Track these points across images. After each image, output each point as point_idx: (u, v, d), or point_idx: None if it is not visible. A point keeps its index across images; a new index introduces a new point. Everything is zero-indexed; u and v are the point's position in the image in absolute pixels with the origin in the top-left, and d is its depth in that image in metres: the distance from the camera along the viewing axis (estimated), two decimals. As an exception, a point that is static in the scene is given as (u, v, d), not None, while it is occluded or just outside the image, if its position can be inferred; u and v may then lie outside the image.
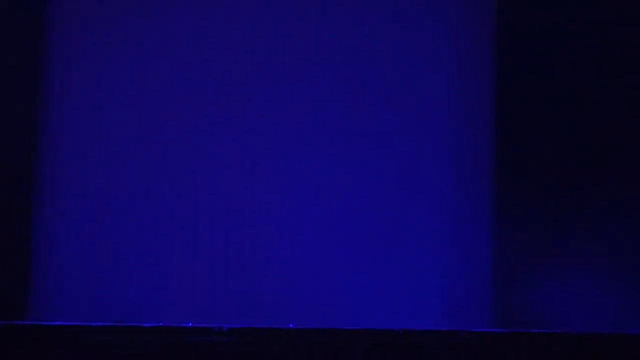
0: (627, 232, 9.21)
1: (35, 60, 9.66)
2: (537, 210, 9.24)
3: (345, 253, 9.22)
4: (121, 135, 9.52)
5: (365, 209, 9.25)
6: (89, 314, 8.69)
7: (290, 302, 8.92)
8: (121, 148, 9.53)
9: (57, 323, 6.95)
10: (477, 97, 9.42)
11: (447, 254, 9.19)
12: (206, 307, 8.80)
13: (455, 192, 9.31)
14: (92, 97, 9.60)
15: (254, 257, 9.08)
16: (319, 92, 9.27)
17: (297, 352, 6.68)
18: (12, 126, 9.73)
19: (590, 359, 7.07)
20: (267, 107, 9.26)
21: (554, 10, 9.72)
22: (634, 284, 9.15)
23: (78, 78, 9.59)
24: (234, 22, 9.46)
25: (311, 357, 6.57)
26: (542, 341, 7.03)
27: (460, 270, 9.26)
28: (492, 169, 9.34)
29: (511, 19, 9.57)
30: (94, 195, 9.49)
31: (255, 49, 9.36)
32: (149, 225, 9.38)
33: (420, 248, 9.34)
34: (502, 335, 7.30)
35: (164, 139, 9.44)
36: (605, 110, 9.48)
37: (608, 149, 9.37)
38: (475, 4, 9.42)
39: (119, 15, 9.58)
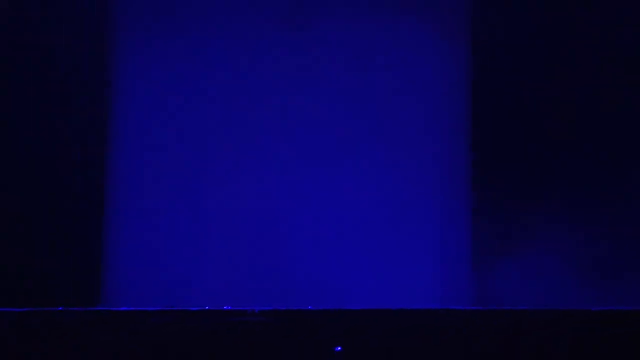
0: (585, 222, 10.97)
1: (104, 69, 11.50)
2: (508, 205, 11.15)
3: (349, 246, 11.12)
4: (178, 143, 11.62)
5: (367, 207, 11.24)
6: (150, 300, 10.47)
7: (305, 288, 10.78)
8: (178, 155, 11.43)
9: (123, 308, 8.33)
10: (456, 112, 11.31)
11: (433, 243, 11.03)
12: (241, 293, 10.67)
13: (440, 191, 11.24)
14: (159, 104, 11.48)
15: (280, 252, 11.05)
16: (329, 115, 11.26)
17: (315, 329, 7.83)
18: (85, 132, 11.53)
19: (558, 333, 7.83)
20: (294, 132, 11.30)
21: (524, 33, 11.44)
22: (592, 267, 10.77)
23: (144, 88, 11.46)
24: (263, 52, 11.37)
25: (329, 333, 7.75)
26: (514, 317, 7.95)
27: (444, 257, 11.08)
28: (470, 173, 11.29)
29: (485, 44, 11.38)
30: (155, 196, 11.54)
31: (283, 83, 11.41)
32: (198, 224, 11.41)
33: (411, 237, 11.24)
34: (479, 312, 8.32)
35: (213, 154, 11.52)
36: (565, 113, 11.20)
37: (566, 154, 11.09)
38: (452, 36, 11.22)
39: (179, 30, 11.48)
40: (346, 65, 11.38)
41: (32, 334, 7.89)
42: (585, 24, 11.39)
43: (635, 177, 11.19)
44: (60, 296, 10.45)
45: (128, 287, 11.36)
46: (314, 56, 11.36)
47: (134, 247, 11.54)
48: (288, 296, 10.75)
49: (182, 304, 9.76)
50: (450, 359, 7.72)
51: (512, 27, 11.36)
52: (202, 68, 11.48)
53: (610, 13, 11.45)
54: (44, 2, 11.39)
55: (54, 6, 11.45)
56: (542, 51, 11.32)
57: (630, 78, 11.29)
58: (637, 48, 11.42)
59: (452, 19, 11.44)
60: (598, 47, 11.43)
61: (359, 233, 11.35)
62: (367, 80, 11.33)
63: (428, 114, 11.45)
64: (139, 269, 11.44)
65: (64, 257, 11.38)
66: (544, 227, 11.00)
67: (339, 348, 7.72)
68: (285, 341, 7.87)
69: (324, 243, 11.35)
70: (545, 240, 10.94)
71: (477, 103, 11.39)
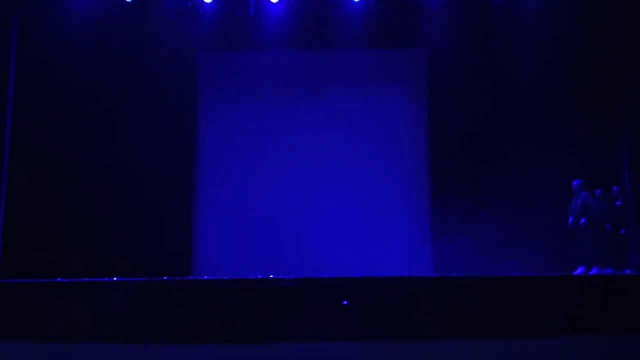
0: (513, 209, 13.62)
1: (191, 111, 14.93)
2: (459, 201, 13.84)
3: (349, 230, 14.50)
4: (242, 165, 15.10)
5: (359, 206, 14.79)
6: (227, 271, 13.37)
7: (319, 261, 13.82)
8: (246, 170, 15.12)
9: (204, 277, 11.49)
10: (418, 142, 14.97)
11: (406, 225, 14.33)
12: (281, 266, 13.62)
13: (408, 193, 14.82)
14: (231, 141, 15.29)
15: (303, 237, 14.47)
16: (335, 148, 15.09)
17: (329, 290, 10.09)
18: (178, 151, 14.85)
19: (510, 297, 9.88)
20: (312, 161, 15.04)
21: (467, 92, 14.65)
22: (520, 241, 13.16)
23: (221, 129, 15.27)
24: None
25: (339, 292, 9.97)
26: (465, 284, 10.20)
27: (412, 237, 14.31)
28: (429, 183, 14.79)
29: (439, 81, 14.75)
30: (229, 196, 15.09)
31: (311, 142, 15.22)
32: (256, 218, 14.77)
33: (389, 223, 14.48)
34: (437, 279, 11.03)
35: (264, 173, 15.12)
36: (495, 142, 14.35)
37: (506, 160, 14.26)
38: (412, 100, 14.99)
39: (243, 95, 15.28)
40: (345, 117, 14.98)
41: (144, 295, 10.08)
42: (507, 85, 14.56)
43: (542, 186, 14.05)
44: (162, 268, 12.91)
45: (209, 261, 14.65)
46: (323, 111, 15.03)
47: (214, 233, 14.87)
48: (310, 265, 13.60)
49: (245, 273, 12.29)
50: (415, 308, 9.93)
51: (457, 87, 14.64)
52: (257, 119, 15.15)
53: (528, 70, 14.36)
54: (151, 76, 14.78)
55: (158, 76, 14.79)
56: (479, 103, 14.53)
57: (543, 119, 14.29)
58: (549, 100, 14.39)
59: (415, 84, 15.03)
60: (521, 98, 14.43)
61: (354, 222, 14.60)
62: (359, 126, 14.90)
63: (400, 144, 14.93)
64: (217, 250, 14.67)
65: (163, 240, 14.34)
66: (486, 212, 13.66)
67: (345, 302, 10.03)
68: (310, 298, 10.14)
69: (330, 229, 14.52)
70: (486, 221, 13.46)
71: (434, 136, 14.86)
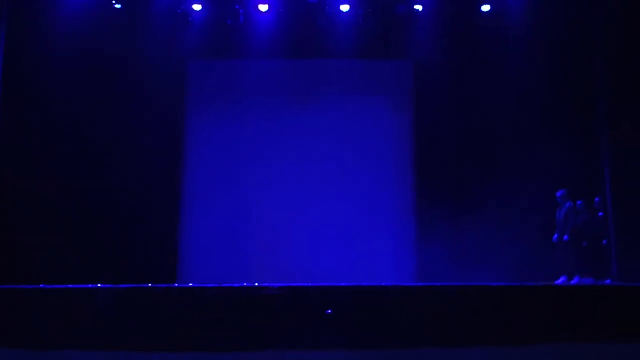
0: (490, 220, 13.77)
1: (179, 119, 14.91)
2: (444, 217, 14.04)
3: (335, 239, 14.59)
4: (230, 173, 15.09)
5: (347, 210, 14.93)
6: (213, 278, 13.28)
7: (306, 269, 13.95)
8: (233, 178, 15.10)
9: (188, 285, 11.29)
10: (403, 153, 15.06)
11: (392, 233, 14.42)
12: (267, 274, 13.87)
13: (394, 197, 14.89)
14: (221, 142, 15.22)
15: (292, 244, 14.57)
16: (325, 157, 15.07)
17: (314, 298, 10.08)
18: (165, 158, 14.82)
19: (493, 306, 9.92)
20: (301, 169, 15.09)
21: (451, 103, 14.85)
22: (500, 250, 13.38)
23: (210, 138, 15.22)
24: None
25: (324, 301, 9.95)
26: (449, 292, 10.23)
27: (398, 244, 14.42)
28: (414, 195, 14.90)
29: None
30: (216, 204, 15.07)
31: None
32: (243, 225, 14.82)
33: (375, 232, 14.61)
34: (421, 288, 10.94)
35: (254, 181, 15.09)
36: (478, 150, 14.55)
37: (491, 170, 14.43)
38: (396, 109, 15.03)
39: (233, 103, 15.23)
40: (331, 126, 15.04)
41: (129, 302, 9.99)
42: (491, 95, 14.74)
43: (527, 195, 14.13)
44: (147, 275, 12.85)
45: (195, 268, 14.66)
46: (310, 120, 15.09)
47: (200, 241, 14.86)
48: (296, 273, 13.73)
49: (231, 280, 12.38)
50: (399, 317, 9.94)
51: (442, 98, 14.82)
52: (244, 127, 15.14)
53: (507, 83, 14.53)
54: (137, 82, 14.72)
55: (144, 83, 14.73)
56: (464, 114, 14.70)
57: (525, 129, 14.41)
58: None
59: (400, 94, 15.12)
60: (505, 109, 14.58)
61: (340, 230, 14.66)
62: (345, 136, 14.93)
63: (386, 154, 15.01)
64: (203, 257, 14.68)
65: (149, 248, 14.35)
66: (470, 221, 13.90)
67: (330, 310, 10.02)
68: (296, 306, 10.09)
69: (316, 237, 14.57)
70: (471, 230, 13.74)
71: (419, 145, 14.98)
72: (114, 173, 14.46)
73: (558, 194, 13.40)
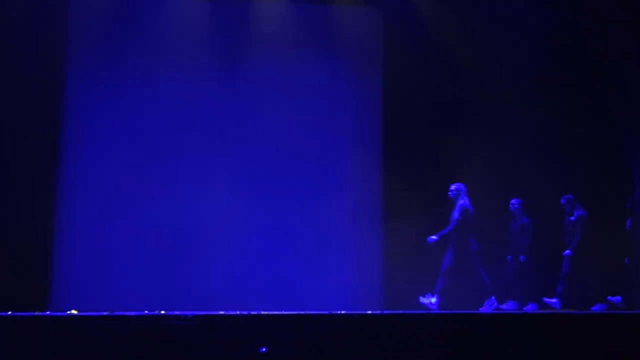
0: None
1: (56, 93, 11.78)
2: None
3: (272, 254, 12.07)
4: (125, 161, 11.99)
5: (287, 214, 12.25)
6: (94, 305, 10.75)
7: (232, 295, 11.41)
8: (127, 171, 12.02)
9: (66, 313, 8.95)
10: (372, 137, 12.48)
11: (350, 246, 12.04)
12: (175, 299, 11.20)
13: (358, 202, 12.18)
14: (107, 119, 12.00)
15: (211, 265, 11.81)
16: (260, 141, 12.23)
17: (241, 332, 8.22)
18: (37, 155, 11.88)
19: (456, 334, 8.32)
20: (227, 158, 12.16)
21: (424, 69, 12.70)
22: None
23: (92, 116, 11.95)
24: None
25: (255, 336, 8.16)
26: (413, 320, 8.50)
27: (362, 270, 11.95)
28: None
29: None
30: (103, 205, 12.03)
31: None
32: (141, 235, 11.94)
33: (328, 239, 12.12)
34: (390, 316, 8.94)
35: (159, 174, 12.10)
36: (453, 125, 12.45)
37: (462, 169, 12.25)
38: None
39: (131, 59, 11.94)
40: (274, 92, 12.23)
41: None
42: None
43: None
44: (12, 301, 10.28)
45: (74, 293, 11.79)
46: (242, 84, 12.13)
47: (80, 258, 12.02)
48: (215, 298, 11.28)
49: (124, 307, 10.19)
50: (360, 356, 8.14)
51: (413, 64, 12.58)
52: (141, 97, 12.07)
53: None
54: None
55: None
56: (436, 77, 12.62)
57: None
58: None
59: (367, 57, 12.30)
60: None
61: (278, 242, 12.20)
62: (293, 106, 12.21)
63: (350, 131, 12.38)
64: (84, 277, 11.90)
65: (16, 266, 11.66)
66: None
67: (264, 349, 8.07)
68: (214, 342, 8.14)
69: (244, 251, 12.09)
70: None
71: (387, 127, 12.53)
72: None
73: (565, 198, 12.21)
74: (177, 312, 8.50)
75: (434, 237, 11.42)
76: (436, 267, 11.62)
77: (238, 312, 8.77)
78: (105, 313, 8.56)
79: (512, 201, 12.29)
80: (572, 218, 12.09)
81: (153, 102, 12.06)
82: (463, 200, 11.65)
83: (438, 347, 8.26)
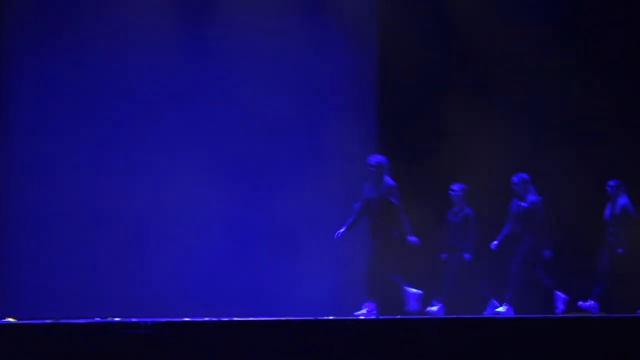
0: None
1: None
2: None
3: (238, 252, 11.21)
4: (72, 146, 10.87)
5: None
6: (39, 312, 9.76)
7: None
8: (73, 157, 10.91)
9: (23, 321, 8.02)
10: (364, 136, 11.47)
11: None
12: (131, 304, 10.18)
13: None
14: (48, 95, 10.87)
15: (171, 265, 10.80)
16: (231, 114, 11.11)
17: (211, 339, 7.51)
18: None
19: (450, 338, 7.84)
20: (192, 134, 11.07)
21: (423, 32, 11.80)
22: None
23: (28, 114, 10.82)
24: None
25: (229, 344, 7.47)
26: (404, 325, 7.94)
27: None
28: None
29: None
30: (37, 205, 10.89)
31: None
32: (82, 239, 10.87)
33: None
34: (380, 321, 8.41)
35: (110, 161, 10.99)
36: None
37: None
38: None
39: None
40: (251, 56, 11.15)
41: None
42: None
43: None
44: None
45: (17, 298, 10.83)
46: (218, 51, 11.09)
47: (18, 257, 10.99)
48: (175, 304, 10.59)
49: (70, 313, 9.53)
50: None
51: (410, 27, 11.59)
52: (90, 67, 11.09)
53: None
54: None
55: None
56: (436, 43, 11.83)
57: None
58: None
59: (360, 18, 11.45)
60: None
61: (246, 238, 11.35)
62: (273, 78, 11.23)
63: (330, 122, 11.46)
64: (27, 282, 10.92)
65: None
66: None
67: None
68: (177, 354, 7.50)
69: (210, 249, 11.20)
70: None
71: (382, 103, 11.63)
72: None
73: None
74: (134, 319, 7.89)
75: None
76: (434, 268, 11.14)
77: (206, 319, 8.21)
78: (48, 321, 7.87)
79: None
80: (524, 204, 10.54)
81: (107, 78, 11.10)
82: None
83: (439, 350, 7.80)
